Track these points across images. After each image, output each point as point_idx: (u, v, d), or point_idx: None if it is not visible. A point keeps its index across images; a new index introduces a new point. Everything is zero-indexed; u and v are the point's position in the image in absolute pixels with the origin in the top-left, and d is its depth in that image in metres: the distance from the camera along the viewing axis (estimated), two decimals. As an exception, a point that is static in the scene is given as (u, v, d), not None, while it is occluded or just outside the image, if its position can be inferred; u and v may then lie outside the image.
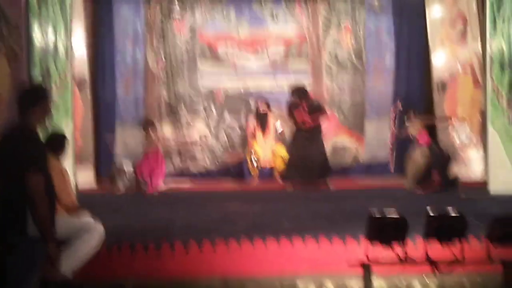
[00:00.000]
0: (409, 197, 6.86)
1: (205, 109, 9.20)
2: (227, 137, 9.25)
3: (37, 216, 3.01)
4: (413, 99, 9.28)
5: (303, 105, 7.70)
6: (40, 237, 3.04)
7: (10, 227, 3.00)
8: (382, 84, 9.38)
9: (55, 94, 6.03)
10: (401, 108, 8.32)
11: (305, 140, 7.71)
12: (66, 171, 4.20)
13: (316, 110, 7.78)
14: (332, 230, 4.46)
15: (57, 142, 4.24)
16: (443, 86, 8.65)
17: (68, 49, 6.47)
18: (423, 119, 7.61)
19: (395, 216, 3.32)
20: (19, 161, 3.03)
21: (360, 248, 3.82)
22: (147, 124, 8.11)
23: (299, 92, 7.84)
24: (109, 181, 8.04)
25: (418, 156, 7.32)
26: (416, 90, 9.32)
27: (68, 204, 4.02)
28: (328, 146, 9.13)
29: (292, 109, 7.80)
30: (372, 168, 9.18)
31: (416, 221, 3.53)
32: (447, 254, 3.39)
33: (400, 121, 8.18)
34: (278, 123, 8.68)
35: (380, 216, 3.33)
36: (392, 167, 8.69)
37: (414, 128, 7.45)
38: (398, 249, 3.34)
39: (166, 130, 9.13)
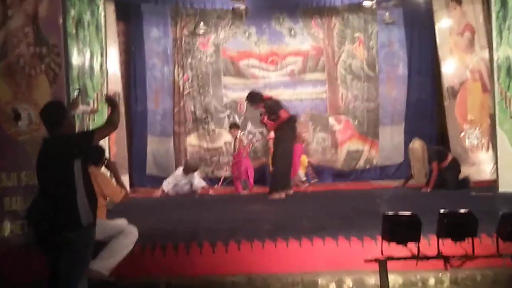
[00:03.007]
0: (421, 196, 6.83)
1: (228, 118, 9.23)
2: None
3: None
4: (425, 105, 9.25)
5: (262, 108, 7.21)
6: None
7: (64, 220, 3.00)
8: (395, 91, 9.33)
9: (92, 107, 6.12)
10: None
11: (274, 147, 7.31)
12: (105, 174, 4.29)
13: (272, 112, 7.04)
14: (349, 230, 4.44)
15: (96, 153, 4.30)
16: (453, 92, 8.56)
17: (103, 67, 6.57)
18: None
19: (408, 215, 3.28)
20: (66, 152, 3.04)
21: (376, 246, 3.79)
22: (232, 126, 8.18)
23: (249, 97, 7.40)
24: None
25: (416, 146, 7.37)
26: (427, 97, 9.26)
27: (117, 195, 4.11)
28: (342, 150, 9.18)
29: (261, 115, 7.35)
30: (386, 171, 9.15)
31: (429, 219, 3.49)
32: (459, 250, 3.34)
33: None
34: None
35: (394, 215, 3.29)
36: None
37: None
38: (412, 246, 3.30)
39: (193, 139, 9.21)
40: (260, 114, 7.35)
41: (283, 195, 6.95)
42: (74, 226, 3.01)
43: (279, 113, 7.02)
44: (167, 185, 7.85)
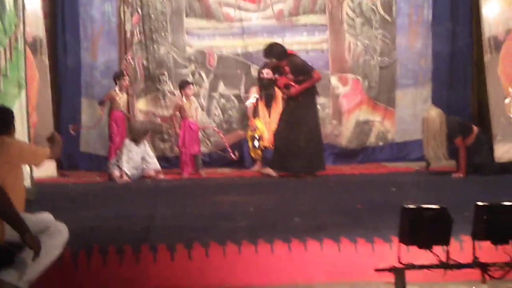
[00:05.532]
0: (451, 183, 6.93)
1: (193, 75, 9.18)
2: (221, 111, 9.24)
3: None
4: (458, 60, 9.28)
5: (284, 67, 7.65)
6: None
7: None
8: (418, 42, 9.34)
9: (2, 58, 6.00)
10: None
11: (293, 116, 7.57)
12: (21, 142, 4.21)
13: (301, 71, 7.63)
14: (355, 229, 4.47)
15: (1, 119, 4.21)
16: (497, 44, 8.57)
17: (18, 1, 6.43)
18: None
19: (435, 209, 3.31)
20: None
21: (391, 250, 3.83)
22: (185, 85, 8.34)
23: (271, 50, 7.74)
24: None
25: (433, 116, 7.49)
26: (461, 50, 9.29)
27: (37, 157, 4.06)
28: (348, 121, 9.20)
29: (274, 75, 7.95)
30: (405, 149, 9.22)
31: (462, 215, 3.52)
32: (501, 256, 3.39)
33: None
34: None
35: (416, 210, 3.32)
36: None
37: None
38: (440, 250, 3.33)
39: (144, 103, 9.14)
40: (275, 73, 7.87)
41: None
42: None
43: (312, 73, 7.67)
44: (126, 165, 7.83)
